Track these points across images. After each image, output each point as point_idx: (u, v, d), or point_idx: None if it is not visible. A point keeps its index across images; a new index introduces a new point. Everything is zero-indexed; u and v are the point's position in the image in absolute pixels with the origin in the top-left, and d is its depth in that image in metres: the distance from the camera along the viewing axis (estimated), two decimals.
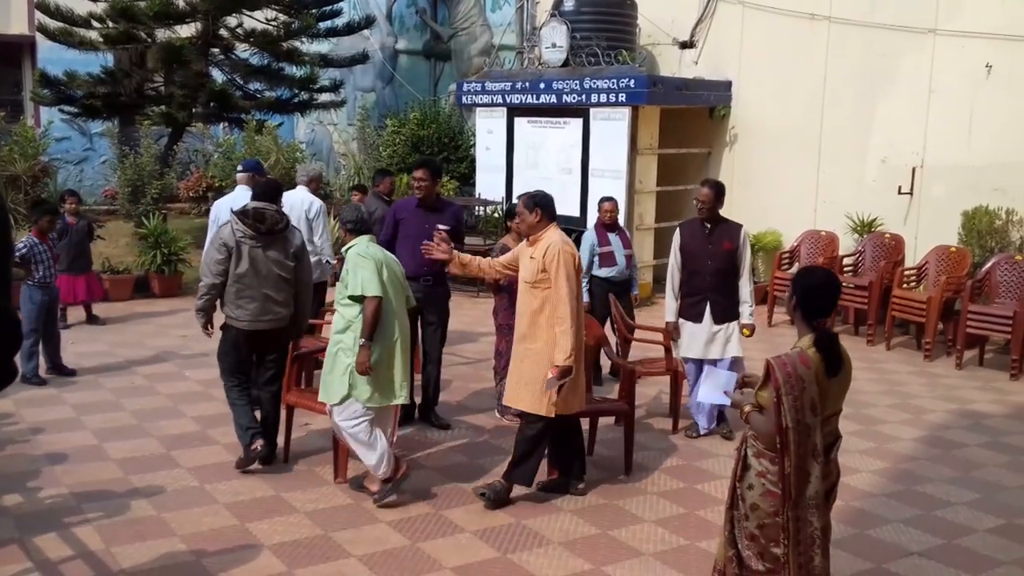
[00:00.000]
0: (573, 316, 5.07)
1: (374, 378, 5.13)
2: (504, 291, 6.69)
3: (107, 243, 11.29)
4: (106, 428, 6.42)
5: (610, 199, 7.83)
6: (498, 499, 5.26)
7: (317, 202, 7.50)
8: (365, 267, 5.17)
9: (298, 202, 7.38)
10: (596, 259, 7.62)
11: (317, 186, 7.72)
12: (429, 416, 6.67)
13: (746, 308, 6.42)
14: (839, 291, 3.60)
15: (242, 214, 5.62)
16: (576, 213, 11.67)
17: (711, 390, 4.06)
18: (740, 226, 6.43)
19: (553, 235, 5.23)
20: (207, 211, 13.33)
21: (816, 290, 3.50)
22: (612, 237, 7.68)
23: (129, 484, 5.44)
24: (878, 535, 5.06)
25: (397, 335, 5.24)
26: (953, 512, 5.42)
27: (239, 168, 7.99)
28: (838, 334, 3.53)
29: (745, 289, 6.41)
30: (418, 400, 6.66)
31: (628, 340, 7.06)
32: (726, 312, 6.40)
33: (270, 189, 5.91)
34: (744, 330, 6.44)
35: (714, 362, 6.29)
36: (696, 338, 6.44)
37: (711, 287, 6.39)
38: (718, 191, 6.35)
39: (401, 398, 5.29)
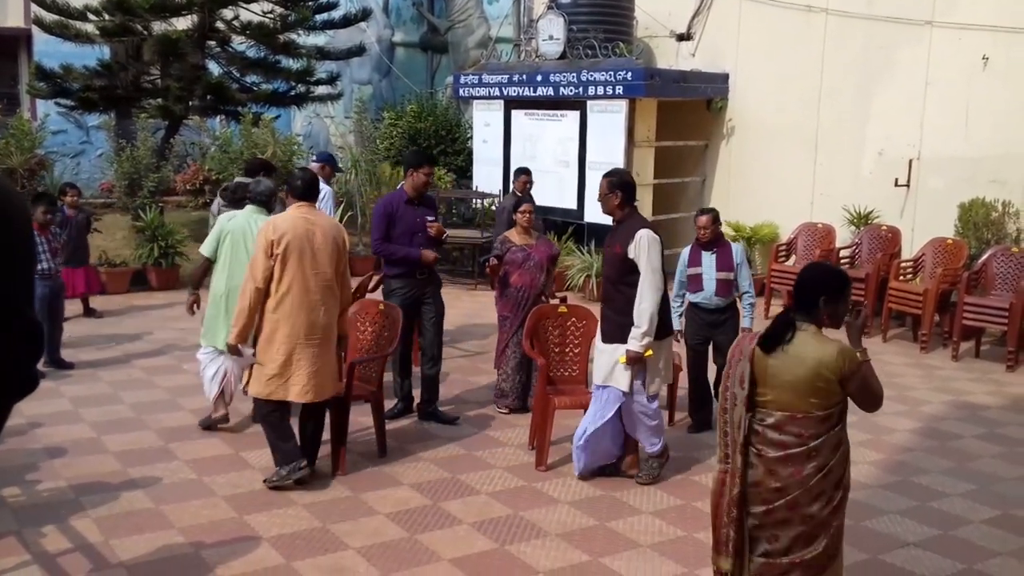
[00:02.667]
0: (246, 296, 5.15)
1: (207, 322, 6.12)
2: (501, 281, 6.75)
3: (104, 236, 11.27)
4: (104, 421, 6.43)
5: (705, 212, 6.55)
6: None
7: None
8: (211, 231, 6.20)
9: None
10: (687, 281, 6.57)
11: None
12: (436, 415, 6.59)
13: (633, 330, 5.18)
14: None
15: (223, 189, 6.85)
16: (573, 206, 11.68)
17: None
18: (640, 227, 5.24)
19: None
20: (204, 204, 13.36)
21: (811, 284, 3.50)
22: (706, 257, 6.45)
23: (127, 477, 5.45)
24: (874, 526, 5.08)
25: (223, 292, 6.00)
26: (949, 503, 5.45)
27: (313, 158, 8.95)
28: (793, 322, 3.45)
29: (638, 306, 5.17)
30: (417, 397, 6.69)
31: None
32: (614, 331, 5.30)
33: (254, 167, 6.96)
34: (621, 357, 5.23)
35: (601, 388, 5.43)
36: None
37: (603, 297, 5.54)
38: (612, 183, 5.33)
39: (220, 342, 5.87)
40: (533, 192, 9.19)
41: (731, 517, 3.50)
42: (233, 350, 5.30)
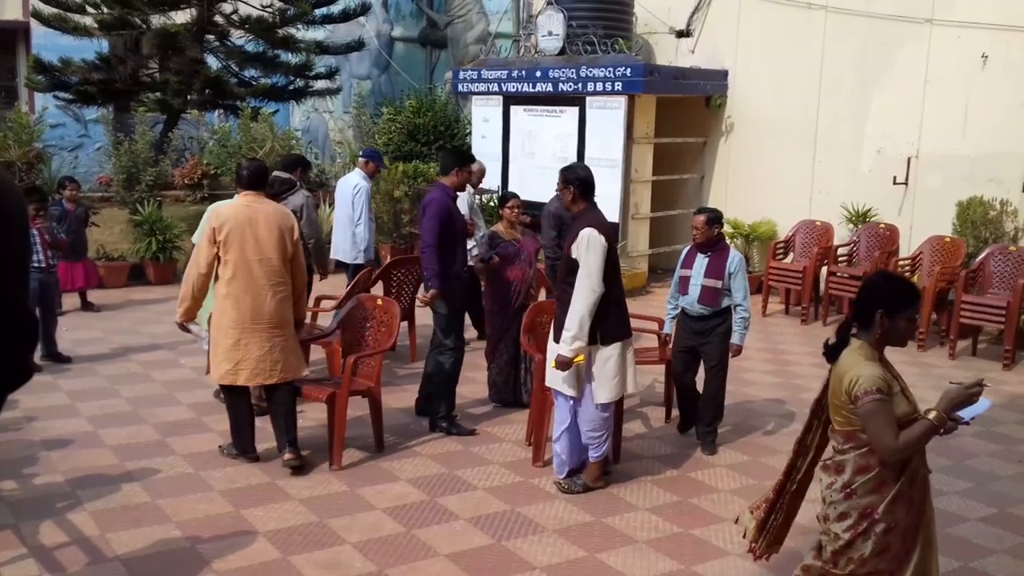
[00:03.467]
0: (189, 282, 5.42)
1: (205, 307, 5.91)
2: (493, 276, 6.79)
3: (102, 230, 11.25)
4: (101, 415, 6.43)
5: (702, 212, 6.07)
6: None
7: (466, 196, 7.97)
8: (203, 220, 6.13)
9: (466, 196, 8.01)
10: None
11: (479, 179, 8.68)
12: (453, 426, 6.34)
13: (564, 333, 5.04)
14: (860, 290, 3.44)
15: None
16: None
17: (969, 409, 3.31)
18: (585, 226, 5.08)
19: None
20: (202, 198, 13.35)
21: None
22: (699, 260, 6.01)
23: (124, 470, 5.46)
24: None
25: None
26: (946, 501, 5.45)
27: (360, 153, 9.35)
28: (850, 330, 3.34)
29: (571, 308, 5.00)
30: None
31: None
32: (558, 331, 5.18)
33: (291, 162, 7.38)
34: (552, 360, 5.14)
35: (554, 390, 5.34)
36: None
37: (557, 296, 5.41)
38: (566, 179, 5.24)
39: (204, 328, 5.88)
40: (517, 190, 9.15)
41: (768, 498, 3.76)
42: (182, 328, 5.65)
